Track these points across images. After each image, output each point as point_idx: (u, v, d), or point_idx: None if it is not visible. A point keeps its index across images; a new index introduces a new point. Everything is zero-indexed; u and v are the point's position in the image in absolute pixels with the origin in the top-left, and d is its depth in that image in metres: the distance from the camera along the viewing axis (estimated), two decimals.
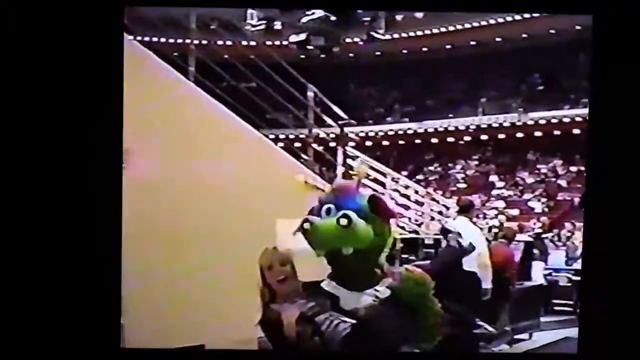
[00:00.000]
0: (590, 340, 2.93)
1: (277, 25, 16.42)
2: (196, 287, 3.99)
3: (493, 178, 21.15)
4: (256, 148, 4.84)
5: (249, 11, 16.40)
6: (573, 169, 19.59)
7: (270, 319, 2.57)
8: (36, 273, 2.84)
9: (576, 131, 18.55)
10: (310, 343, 2.46)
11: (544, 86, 20.81)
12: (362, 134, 20.10)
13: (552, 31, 19.50)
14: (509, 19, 20.07)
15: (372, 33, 16.09)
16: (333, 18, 14.00)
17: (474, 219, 6.75)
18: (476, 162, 22.13)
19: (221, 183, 4.36)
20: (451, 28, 21.31)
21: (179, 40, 5.92)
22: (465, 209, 6.18)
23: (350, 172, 6.31)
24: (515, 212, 18.40)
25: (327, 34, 14.43)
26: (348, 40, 16.99)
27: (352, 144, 7.82)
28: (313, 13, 14.05)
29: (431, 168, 22.51)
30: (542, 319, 7.71)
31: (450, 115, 21.88)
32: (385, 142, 21.70)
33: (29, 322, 2.84)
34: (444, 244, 5.82)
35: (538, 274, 8.26)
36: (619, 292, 2.90)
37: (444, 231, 5.85)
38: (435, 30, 21.53)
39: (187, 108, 4.45)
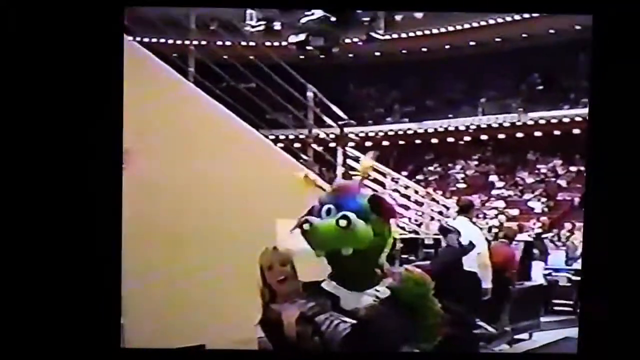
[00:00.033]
0: (590, 340, 2.93)
1: (277, 26, 16.42)
2: (196, 287, 3.98)
3: (493, 178, 21.17)
4: (256, 148, 4.84)
5: (249, 12, 16.39)
6: (573, 169, 19.60)
7: (270, 319, 2.57)
8: (36, 273, 2.84)
9: (576, 131, 18.56)
10: (310, 343, 2.47)
11: (544, 86, 20.82)
12: (362, 134, 20.14)
13: (552, 31, 19.51)
14: (509, 19, 20.08)
15: (372, 33, 16.08)
16: (333, 18, 13.98)
17: (474, 219, 6.76)
18: (476, 162, 22.15)
19: (221, 183, 4.35)
20: (451, 28, 21.31)
21: (179, 41, 5.93)
22: (465, 209, 6.19)
23: (356, 164, 6.32)
24: (515, 212, 18.42)
25: (326, 34, 14.41)
26: (347, 40, 16.98)
27: (352, 144, 7.83)
28: (312, 13, 14.04)
29: (431, 168, 22.52)
30: (542, 319, 7.72)
31: (450, 116, 21.89)
32: (385, 142, 21.69)
33: (29, 322, 2.84)
34: (444, 244, 5.82)
35: (538, 274, 8.27)
36: (619, 292, 2.90)
37: (443, 230, 5.85)
38: (434, 31, 21.54)
39: (186, 108, 4.44)
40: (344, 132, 7.63)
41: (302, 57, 14.27)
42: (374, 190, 6.95)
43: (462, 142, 22.11)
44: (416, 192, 9.88)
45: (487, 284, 5.79)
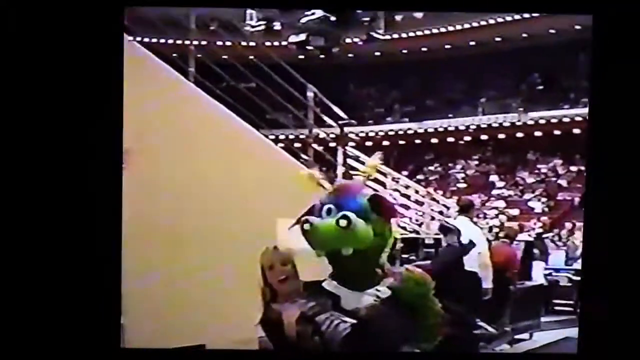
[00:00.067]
0: (590, 340, 2.92)
1: (277, 26, 16.42)
2: (196, 287, 3.99)
3: (493, 178, 21.16)
4: (256, 148, 4.84)
5: (249, 11, 16.39)
6: (573, 168, 19.60)
7: (270, 318, 2.57)
8: (36, 273, 2.84)
9: (576, 131, 18.56)
10: (310, 343, 2.46)
11: (544, 86, 20.81)
12: (362, 134, 20.12)
13: (552, 31, 19.50)
14: (509, 19, 20.05)
15: (372, 33, 16.07)
16: (333, 18, 13.98)
17: (474, 219, 6.76)
18: (476, 162, 22.14)
19: (221, 183, 4.36)
20: (451, 28, 21.30)
21: (179, 41, 5.93)
22: (466, 209, 6.19)
23: (357, 164, 6.32)
24: (515, 212, 18.43)
25: (326, 34, 14.41)
26: (348, 40, 16.98)
27: (352, 144, 7.84)
28: (313, 13, 14.03)
29: (431, 168, 22.52)
30: (543, 319, 7.73)
31: (450, 115, 21.89)
32: (385, 142, 21.68)
33: (29, 322, 2.84)
34: (444, 243, 5.82)
35: (538, 273, 8.27)
36: (619, 292, 2.90)
37: (444, 229, 5.85)
38: (434, 31, 21.52)
39: (187, 108, 4.45)
40: (344, 132, 7.63)
41: (302, 57, 14.28)
42: (374, 190, 6.95)
43: (462, 142, 22.11)
44: (416, 191, 9.89)
45: (487, 283, 5.79)
